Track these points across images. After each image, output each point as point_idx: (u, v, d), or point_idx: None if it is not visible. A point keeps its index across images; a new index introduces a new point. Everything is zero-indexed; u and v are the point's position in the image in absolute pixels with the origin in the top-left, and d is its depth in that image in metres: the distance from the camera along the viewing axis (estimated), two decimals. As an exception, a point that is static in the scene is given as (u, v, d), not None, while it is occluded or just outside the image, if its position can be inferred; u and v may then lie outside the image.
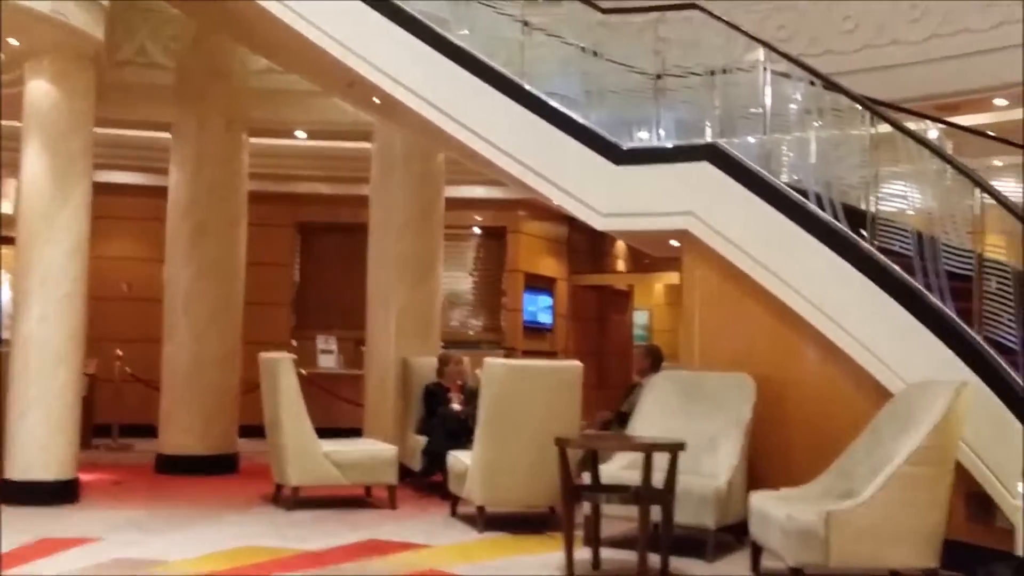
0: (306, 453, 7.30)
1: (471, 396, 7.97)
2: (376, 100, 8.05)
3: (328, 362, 12.28)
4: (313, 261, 13.54)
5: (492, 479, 6.51)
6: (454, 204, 11.09)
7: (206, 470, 8.91)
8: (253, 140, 10.18)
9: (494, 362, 6.68)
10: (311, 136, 11.34)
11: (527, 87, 7.27)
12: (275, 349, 8.32)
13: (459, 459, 6.91)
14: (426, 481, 8.24)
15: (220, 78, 9.62)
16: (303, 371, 10.13)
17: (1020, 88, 8.09)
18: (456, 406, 8.38)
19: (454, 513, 7.02)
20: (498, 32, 7.81)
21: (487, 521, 6.49)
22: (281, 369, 7.39)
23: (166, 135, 9.86)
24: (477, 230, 14.00)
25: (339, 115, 10.02)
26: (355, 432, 9.07)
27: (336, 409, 10.75)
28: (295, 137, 11.36)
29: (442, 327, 10.13)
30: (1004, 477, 5.10)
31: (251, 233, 9.95)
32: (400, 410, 9.10)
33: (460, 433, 7.77)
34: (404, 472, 8.14)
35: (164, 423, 9.35)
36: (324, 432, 7.58)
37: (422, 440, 8.33)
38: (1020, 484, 4.72)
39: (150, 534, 6.14)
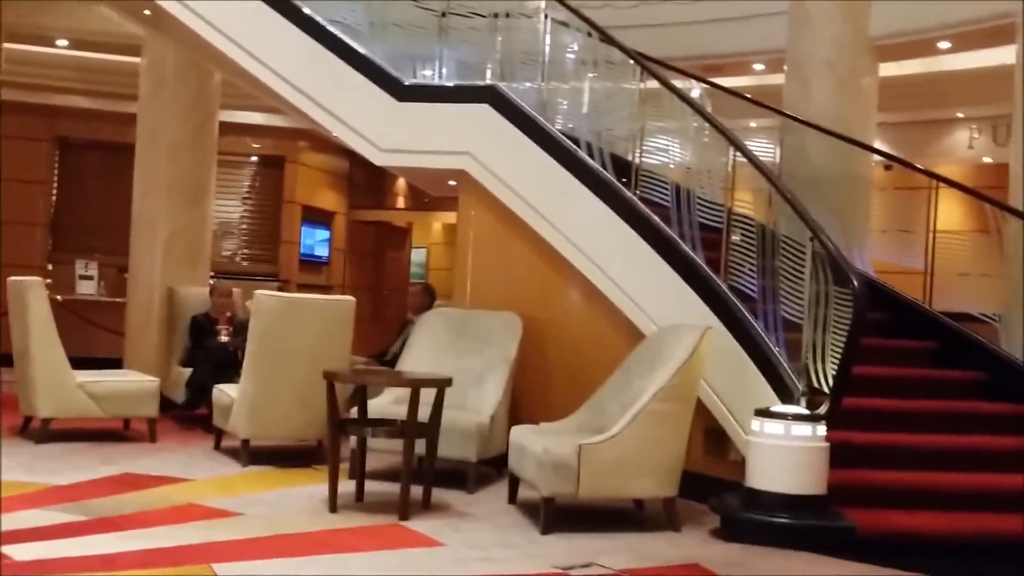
0: (58, 384, 6.92)
1: (240, 328, 7.81)
2: (147, 12, 7.61)
3: (87, 288, 11.62)
4: (73, 180, 12.68)
5: (258, 412, 6.42)
6: (230, 129, 10.71)
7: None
8: (8, 46, 9.38)
9: (264, 294, 6.56)
10: (73, 46, 10.56)
11: (309, 12, 7.08)
12: (29, 273, 7.80)
13: (225, 392, 6.78)
14: (190, 414, 8.04)
15: (-31, -24, 8.79)
16: (59, 297, 9.61)
17: (778, 55, 8.64)
18: (224, 338, 8.20)
19: (218, 447, 6.90)
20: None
21: (252, 455, 6.42)
22: (31, 294, 6.95)
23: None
24: (254, 158, 13.57)
25: (106, 25, 9.39)
26: (115, 363, 8.69)
27: (95, 338, 10.21)
28: (56, 46, 10.55)
29: (214, 257, 9.81)
30: (739, 414, 5.54)
31: (4, 146, 9.22)
32: (165, 341, 8.78)
33: (227, 366, 7.61)
34: (168, 405, 7.90)
35: None
36: (81, 362, 7.21)
37: (187, 372, 8.10)
38: (752, 421, 5.14)
39: None
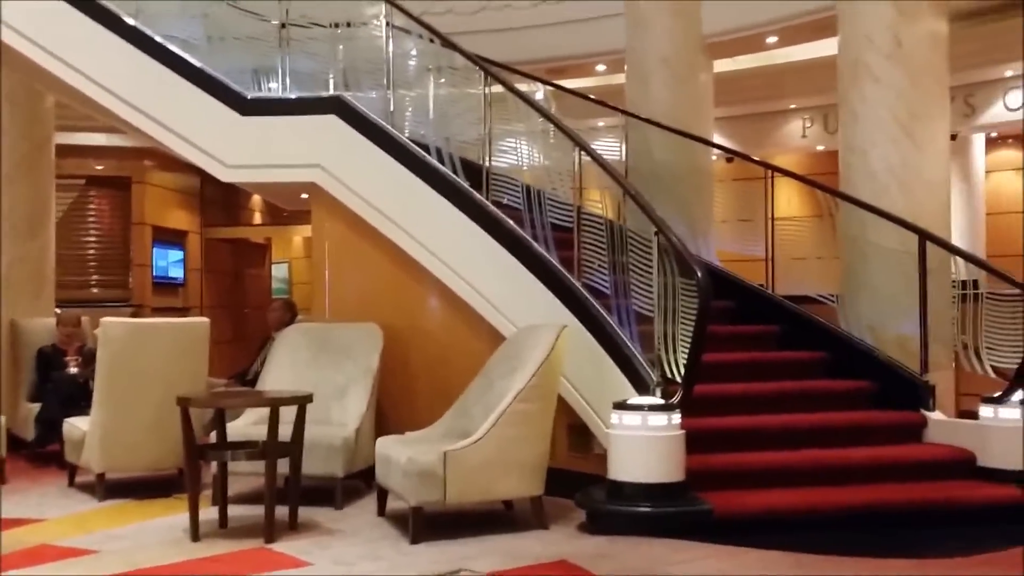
0: None
1: (90, 358, 7.51)
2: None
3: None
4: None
5: (112, 444, 6.19)
6: (70, 152, 10.34)
7: None
8: None
9: (110, 321, 6.32)
10: None
11: (143, 28, 6.87)
12: None
13: (75, 426, 6.51)
14: (41, 451, 7.68)
15: None
16: None
17: (618, 56, 8.87)
18: (73, 369, 7.88)
19: (72, 483, 6.61)
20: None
21: (109, 489, 6.19)
22: None
23: None
24: (98, 180, 13.07)
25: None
26: (-44, 403, 8.23)
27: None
28: None
29: (60, 285, 9.40)
30: (598, 408, 5.66)
31: None
32: (10, 376, 8.37)
33: (78, 398, 7.30)
34: (17, 444, 7.54)
35: None
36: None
37: (36, 408, 7.74)
38: (611, 414, 5.26)
39: None
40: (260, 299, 15.76)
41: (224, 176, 7.02)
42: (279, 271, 16.78)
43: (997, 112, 11.10)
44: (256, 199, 15.58)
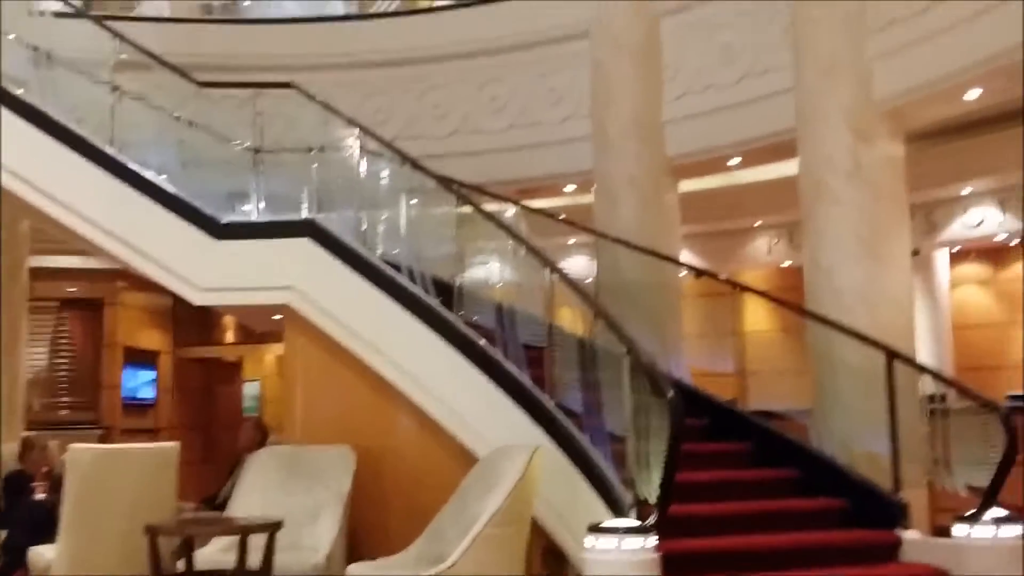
0: None
1: (59, 484, 7.37)
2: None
3: None
4: None
5: (78, 573, 6.03)
6: (42, 274, 10.35)
7: None
8: None
9: (78, 447, 6.24)
10: None
11: (118, 156, 6.98)
12: None
13: (41, 554, 6.35)
14: (5, 581, 7.47)
15: None
16: None
17: (587, 177, 9.09)
18: (41, 495, 7.72)
19: (35, 614, 6.42)
20: (88, 97, 7.47)
21: (73, 619, 6.00)
22: None
23: None
24: (71, 302, 13.04)
25: None
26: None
27: None
28: None
29: (29, 408, 9.28)
30: (574, 531, 5.58)
31: None
32: (-26, 504, 8.19)
33: (46, 525, 7.11)
34: (-22, 573, 7.34)
35: None
36: None
37: (2, 535, 7.56)
38: (586, 537, 5.19)
39: None
40: (232, 418, 15.56)
41: (197, 300, 7.04)
42: (251, 389, 16.63)
43: (958, 228, 11.40)
44: (229, 317, 15.56)
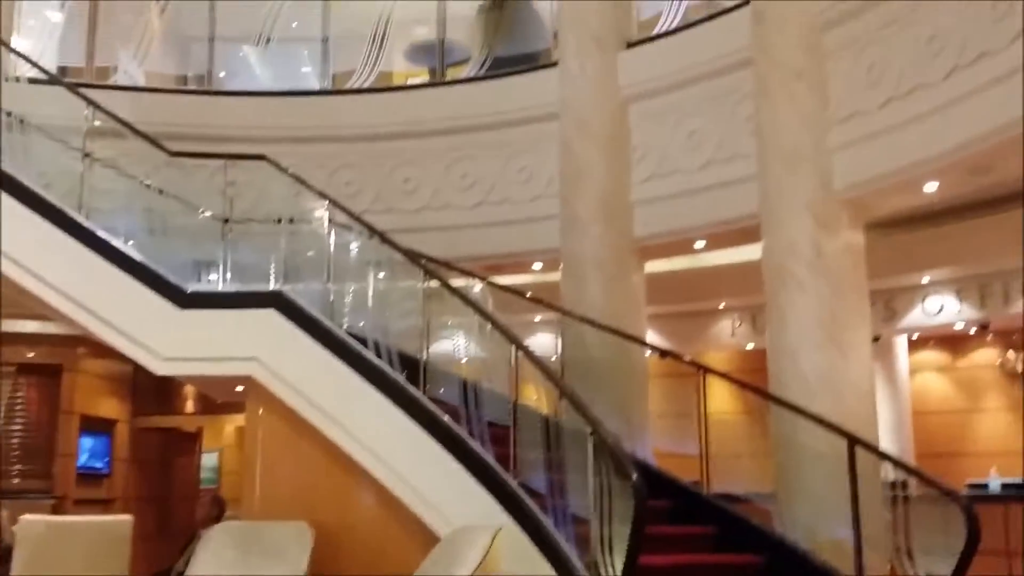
0: None
1: (7, 555, 7.16)
2: None
3: None
4: None
5: (21, 651, 5.85)
6: (0, 339, 10.15)
7: None
8: None
9: (29, 519, 6.11)
10: None
11: (83, 221, 6.93)
12: None
13: (-18, 630, 6.15)
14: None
15: None
16: None
17: (554, 255, 9.16)
18: (-13, 567, 7.49)
19: None
20: (59, 163, 7.46)
21: None
22: None
23: None
24: (28, 368, 12.82)
25: None
26: None
27: None
28: None
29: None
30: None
31: None
32: (-84, 575, 7.92)
33: (-10, 598, 6.93)
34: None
35: None
36: None
37: (-58, 609, 7.30)
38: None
39: None
40: (189, 489, 15.28)
41: (159, 369, 6.95)
42: (209, 460, 16.34)
43: (917, 316, 11.58)
44: (190, 387, 15.35)
